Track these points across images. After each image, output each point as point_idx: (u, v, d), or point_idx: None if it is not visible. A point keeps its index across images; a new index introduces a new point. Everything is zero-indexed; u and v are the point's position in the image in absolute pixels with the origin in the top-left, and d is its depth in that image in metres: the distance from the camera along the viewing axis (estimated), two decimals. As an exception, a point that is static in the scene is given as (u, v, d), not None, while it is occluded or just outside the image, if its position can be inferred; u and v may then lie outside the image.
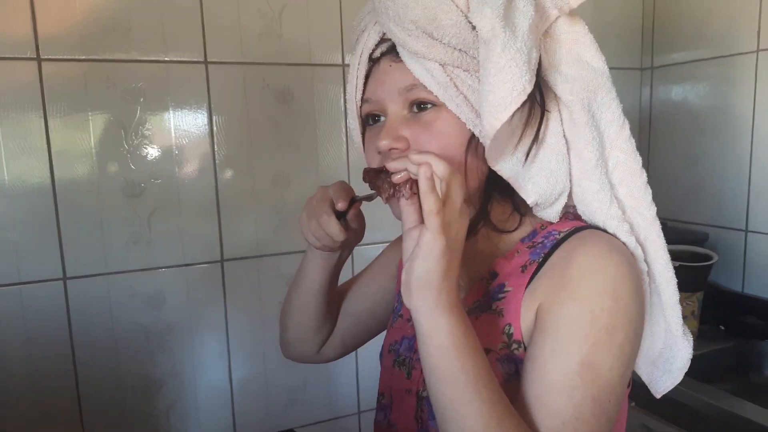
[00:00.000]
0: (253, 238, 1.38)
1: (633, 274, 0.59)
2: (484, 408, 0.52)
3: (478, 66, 0.58)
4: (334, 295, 0.83)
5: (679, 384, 0.69)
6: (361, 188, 0.72)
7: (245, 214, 1.36)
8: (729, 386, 1.27)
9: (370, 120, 0.66)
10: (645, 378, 0.71)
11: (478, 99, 0.58)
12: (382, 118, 0.64)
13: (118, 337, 1.28)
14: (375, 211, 0.81)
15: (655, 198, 0.64)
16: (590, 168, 0.61)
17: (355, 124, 0.68)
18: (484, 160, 0.61)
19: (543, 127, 0.60)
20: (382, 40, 0.63)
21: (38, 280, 1.20)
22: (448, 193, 0.54)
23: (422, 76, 0.59)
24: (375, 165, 0.64)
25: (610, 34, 1.73)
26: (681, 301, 0.66)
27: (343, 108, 1.42)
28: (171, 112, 1.27)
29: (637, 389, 0.69)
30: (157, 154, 1.27)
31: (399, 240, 0.86)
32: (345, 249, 0.76)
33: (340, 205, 0.67)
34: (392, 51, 0.62)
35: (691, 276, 1.40)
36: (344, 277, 0.84)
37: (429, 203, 0.52)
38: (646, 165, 0.63)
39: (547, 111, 0.60)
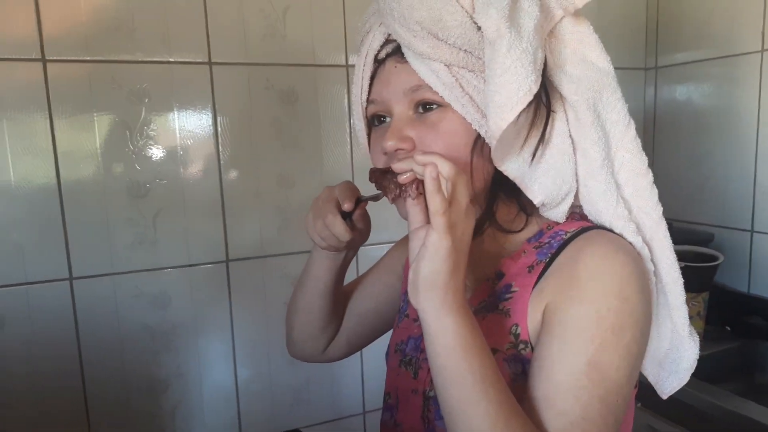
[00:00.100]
0: (258, 238, 1.38)
1: (640, 274, 0.59)
2: (491, 408, 0.52)
3: (483, 66, 0.58)
4: (340, 295, 0.83)
5: (684, 384, 0.69)
6: (366, 188, 0.72)
7: (250, 214, 1.36)
8: (734, 387, 1.27)
9: (375, 121, 0.66)
10: (651, 379, 0.71)
11: (484, 99, 0.58)
12: (388, 119, 0.64)
13: (124, 337, 1.28)
14: (380, 212, 0.81)
15: (660, 198, 0.64)
16: (596, 168, 0.61)
17: (360, 125, 0.68)
18: (490, 161, 0.61)
19: (549, 127, 0.60)
20: (387, 41, 0.63)
21: (44, 281, 1.21)
22: (453, 194, 0.54)
23: (427, 76, 0.59)
24: (380, 165, 0.64)
25: (614, 34, 1.73)
26: (687, 302, 0.66)
27: (347, 108, 1.42)
28: (176, 112, 1.27)
29: (642, 390, 0.69)
30: (161, 155, 1.27)
31: (404, 240, 0.87)
32: (350, 249, 0.76)
33: (346, 206, 0.67)
34: (397, 52, 0.62)
35: (697, 276, 1.39)
36: (349, 277, 0.84)
37: (435, 203, 0.52)
38: (651, 165, 0.63)
39: (553, 111, 0.60)
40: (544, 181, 0.61)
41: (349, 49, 1.40)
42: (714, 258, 1.41)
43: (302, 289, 0.80)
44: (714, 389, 1.19)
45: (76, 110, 1.19)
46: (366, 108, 0.67)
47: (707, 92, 1.63)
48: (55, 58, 1.17)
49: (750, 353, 1.43)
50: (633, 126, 0.62)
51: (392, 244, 0.90)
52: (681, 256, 0.65)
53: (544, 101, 0.59)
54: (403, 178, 0.57)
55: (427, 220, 0.54)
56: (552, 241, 0.63)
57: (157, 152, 1.27)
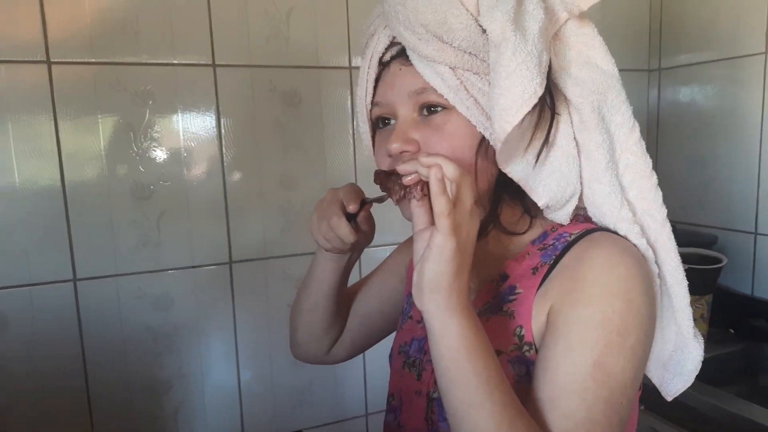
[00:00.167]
0: (261, 239, 1.38)
1: (644, 276, 0.59)
2: (495, 409, 0.52)
3: (488, 69, 0.58)
4: (344, 296, 0.83)
5: (688, 386, 0.69)
6: (369, 190, 0.72)
7: (253, 216, 1.37)
8: (738, 389, 1.27)
9: (380, 123, 0.67)
10: (656, 381, 0.71)
11: (489, 102, 0.58)
12: (392, 121, 0.64)
13: (127, 338, 1.29)
14: (384, 213, 0.81)
15: (664, 200, 0.64)
16: (601, 170, 0.61)
17: (365, 128, 0.69)
18: (494, 163, 0.61)
19: (553, 129, 0.60)
20: (392, 43, 0.63)
21: (48, 282, 1.21)
22: (458, 195, 0.54)
23: (432, 79, 0.59)
24: (385, 167, 0.64)
25: (617, 36, 1.73)
26: (690, 304, 0.66)
27: (349, 110, 1.43)
28: (179, 114, 1.28)
29: (646, 392, 0.69)
30: (165, 157, 1.28)
31: (408, 242, 0.87)
32: (355, 251, 0.76)
33: (352, 207, 0.67)
34: (402, 54, 0.62)
35: (701, 279, 1.39)
36: (353, 278, 0.85)
37: (440, 205, 0.52)
38: (654, 167, 0.63)
39: (558, 114, 0.60)
40: (549, 184, 0.61)
41: (352, 52, 1.41)
42: (718, 260, 1.41)
43: (306, 290, 0.80)
44: (717, 392, 1.19)
45: (80, 112, 1.20)
46: (370, 110, 0.67)
47: (711, 94, 1.63)
48: (59, 60, 1.17)
49: (754, 356, 1.43)
50: (637, 128, 0.62)
51: (396, 246, 0.91)
52: (685, 259, 0.65)
53: (549, 104, 0.59)
54: (407, 180, 0.57)
55: (432, 222, 0.54)
56: (556, 243, 0.63)
57: (160, 154, 1.27)
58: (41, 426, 1.23)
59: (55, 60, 1.17)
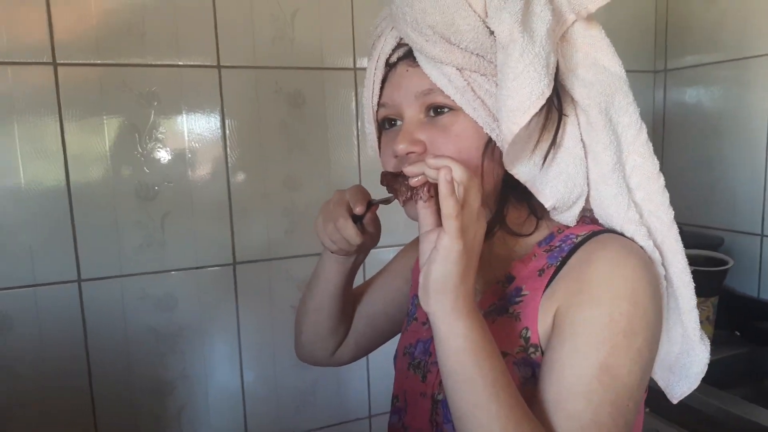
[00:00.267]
0: (265, 240, 1.38)
1: (651, 278, 0.59)
2: (501, 411, 0.52)
3: (495, 70, 0.58)
4: (349, 297, 0.83)
5: (694, 389, 0.69)
6: (374, 190, 0.72)
7: (257, 217, 1.37)
8: (743, 392, 1.26)
9: (386, 124, 0.67)
10: (661, 383, 0.71)
11: (496, 103, 0.58)
12: (399, 122, 0.64)
13: (131, 339, 1.29)
14: (389, 215, 0.81)
15: (670, 202, 0.63)
16: (608, 172, 0.61)
17: (371, 129, 0.69)
18: (501, 164, 0.61)
19: (560, 131, 0.60)
20: (399, 45, 0.63)
21: (53, 282, 1.22)
22: (465, 197, 0.54)
23: (439, 80, 0.59)
24: (391, 168, 0.64)
25: (623, 37, 1.72)
26: (697, 306, 0.65)
27: (354, 111, 1.43)
28: (184, 115, 1.28)
29: (651, 395, 0.69)
30: (170, 158, 1.28)
31: (413, 243, 0.87)
32: (361, 253, 0.76)
33: (358, 209, 0.68)
34: (409, 56, 0.62)
35: (706, 281, 1.39)
36: (357, 280, 0.84)
37: (448, 207, 0.52)
38: (660, 168, 0.63)
39: (565, 115, 0.60)
40: (555, 185, 0.61)
41: (356, 53, 1.41)
42: (724, 262, 1.40)
43: (312, 291, 0.80)
44: (723, 394, 1.18)
45: (86, 113, 1.20)
46: (377, 111, 0.67)
47: (717, 95, 1.62)
48: (65, 61, 1.18)
49: (759, 358, 1.42)
50: (644, 130, 0.62)
51: (400, 248, 0.90)
52: (690, 260, 0.64)
53: (556, 105, 0.59)
54: (414, 181, 0.57)
55: (438, 223, 0.54)
56: (563, 245, 0.63)
57: (165, 155, 1.27)
58: (45, 426, 1.24)
59: (61, 61, 1.17)
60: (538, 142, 0.59)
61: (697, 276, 0.65)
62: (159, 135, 1.26)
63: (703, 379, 0.68)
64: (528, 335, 0.61)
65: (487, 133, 0.60)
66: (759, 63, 1.50)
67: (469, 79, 0.59)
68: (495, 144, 0.60)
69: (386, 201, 0.66)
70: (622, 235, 0.62)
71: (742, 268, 1.54)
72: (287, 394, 1.45)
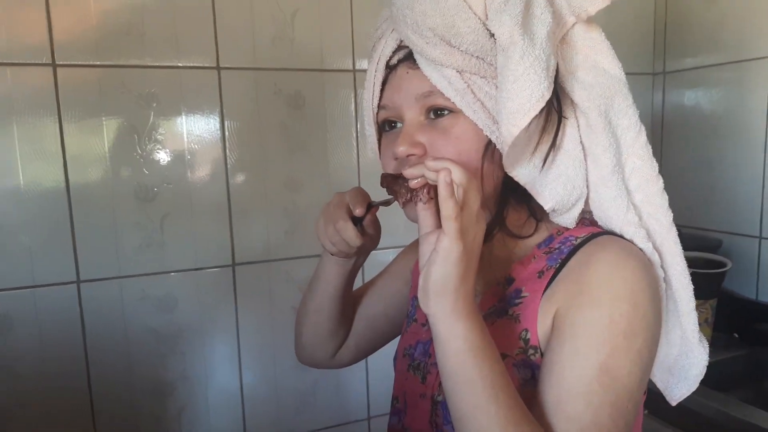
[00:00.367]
0: (264, 242, 1.38)
1: (650, 280, 0.59)
2: (500, 413, 0.52)
3: (495, 73, 0.58)
4: (349, 300, 0.83)
5: (693, 391, 0.69)
6: (373, 192, 0.72)
7: (257, 218, 1.37)
8: (742, 394, 1.26)
9: (386, 126, 0.67)
10: (660, 385, 0.71)
11: (496, 105, 0.58)
12: (399, 125, 0.65)
13: (130, 340, 1.29)
14: (389, 217, 0.81)
15: (668, 204, 0.64)
16: (607, 174, 0.61)
17: (371, 130, 0.69)
18: (500, 166, 0.61)
19: (560, 133, 0.60)
20: (399, 47, 0.63)
21: (52, 284, 1.21)
22: (465, 199, 0.54)
23: (439, 82, 0.59)
24: (391, 170, 0.65)
25: (622, 39, 1.73)
26: (695, 308, 0.65)
27: (354, 113, 1.43)
28: (184, 117, 1.28)
29: (650, 397, 0.69)
30: (169, 159, 1.28)
31: (413, 245, 0.87)
32: (361, 254, 0.76)
33: (359, 211, 0.68)
34: (409, 58, 0.62)
35: (705, 283, 1.38)
36: (356, 282, 0.84)
37: (447, 208, 0.52)
38: (658, 170, 0.63)
39: (565, 117, 0.60)
40: (555, 187, 0.61)
41: (356, 55, 1.41)
42: (722, 264, 1.41)
43: (312, 293, 0.80)
44: (722, 397, 1.18)
45: (85, 114, 1.20)
46: (377, 113, 0.67)
47: (716, 98, 1.62)
48: (65, 62, 1.18)
49: (758, 361, 1.42)
50: (644, 132, 0.62)
51: (400, 249, 0.91)
52: (689, 263, 0.64)
53: (556, 107, 0.59)
54: (414, 183, 0.57)
55: (438, 225, 0.54)
56: (562, 247, 0.63)
57: (164, 156, 1.27)
58: (44, 427, 1.23)
59: (61, 63, 1.17)
60: (537, 144, 0.59)
61: (696, 278, 0.65)
62: (158, 136, 1.26)
63: (702, 381, 0.68)
64: (527, 337, 0.61)
65: (486, 136, 0.60)
66: (758, 65, 1.50)
67: (469, 81, 0.59)
68: (495, 146, 0.61)
69: (386, 203, 0.66)
70: (621, 237, 0.62)
71: (741, 271, 1.54)
72: (287, 396, 1.44)
